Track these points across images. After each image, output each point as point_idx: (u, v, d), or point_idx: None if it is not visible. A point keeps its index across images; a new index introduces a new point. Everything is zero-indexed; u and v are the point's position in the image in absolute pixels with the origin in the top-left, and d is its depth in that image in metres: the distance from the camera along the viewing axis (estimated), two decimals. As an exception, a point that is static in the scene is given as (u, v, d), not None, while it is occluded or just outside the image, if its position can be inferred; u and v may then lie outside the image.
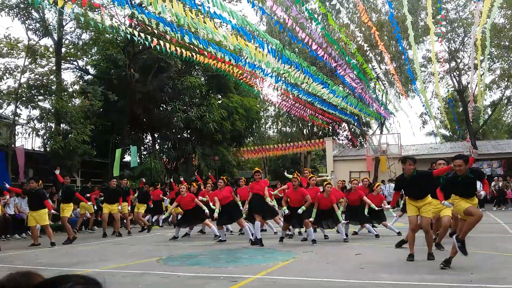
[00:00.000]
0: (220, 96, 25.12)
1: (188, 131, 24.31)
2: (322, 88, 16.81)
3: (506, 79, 29.76)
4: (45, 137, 17.53)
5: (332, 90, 17.82)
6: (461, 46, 29.99)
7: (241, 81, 18.52)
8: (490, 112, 35.70)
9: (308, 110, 25.27)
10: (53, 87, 17.05)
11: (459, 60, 30.47)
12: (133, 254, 8.85)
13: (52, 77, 17.10)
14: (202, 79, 24.40)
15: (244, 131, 25.58)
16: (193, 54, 13.53)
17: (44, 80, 16.86)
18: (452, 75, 30.38)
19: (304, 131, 38.28)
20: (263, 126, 38.96)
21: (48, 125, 17.43)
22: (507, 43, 26.62)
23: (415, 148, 30.09)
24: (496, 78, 31.11)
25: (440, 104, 29.75)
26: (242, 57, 14.93)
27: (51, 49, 17.89)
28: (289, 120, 37.98)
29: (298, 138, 35.99)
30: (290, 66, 13.83)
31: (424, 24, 28.71)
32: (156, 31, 13.15)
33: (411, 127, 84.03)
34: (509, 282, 5.30)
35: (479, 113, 29.14)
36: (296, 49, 29.39)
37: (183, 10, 10.04)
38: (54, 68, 17.75)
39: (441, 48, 26.84)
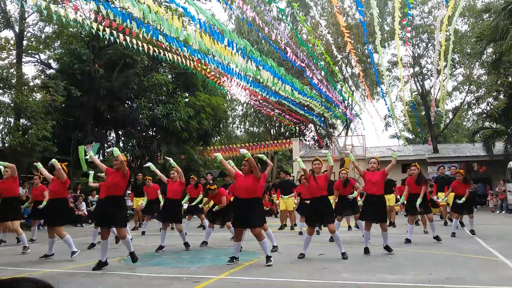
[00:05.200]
0: (187, 94, 24.85)
1: (154, 129, 23.93)
2: (291, 89, 16.85)
3: (467, 84, 30.72)
4: (3, 132, 16.94)
5: (302, 91, 17.89)
6: (425, 52, 30.81)
7: (209, 79, 18.37)
8: (451, 117, 36.82)
9: (276, 110, 25.37)
10: (13, 81, 16.47)
11: (422, 65, 31.30)
12: (94, 253, 8.63)
13: (12, 70, 16.53)
14: (169, 76, 24.03)
15: (211, 130, 25.41)
16: (161, 50, 13.31)
17: (4, 73, 16.29)
18: (415, 79, 31.16)
19: (271, 131, 38.47)
20: (231, 125, 38.88)
21: (7, 119, 16.86)
22: (468, 50, 27.48)
23: (379, 150, 30.70)
24: (458, 85, 32.11)
25: (403, 107, 30.47)
26: (210, 55, 14.80)
27: (12, 42, 17.32)
28: (257, 120, 38.09)
29: (265, 138, 36.12)
30: (258, 66, 13.78)
31: (389, 29, 29.38)
32: (122, 26, 12.87)
33: (375, 130, 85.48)
34: (467, 282, 5.45)
35: (440, 117, 30.02)
36: (266, 48, 29.51)
37: (152, 4, 9.84)
38: (14, 61, 17.19)
39: (406, 52, 27.50)
